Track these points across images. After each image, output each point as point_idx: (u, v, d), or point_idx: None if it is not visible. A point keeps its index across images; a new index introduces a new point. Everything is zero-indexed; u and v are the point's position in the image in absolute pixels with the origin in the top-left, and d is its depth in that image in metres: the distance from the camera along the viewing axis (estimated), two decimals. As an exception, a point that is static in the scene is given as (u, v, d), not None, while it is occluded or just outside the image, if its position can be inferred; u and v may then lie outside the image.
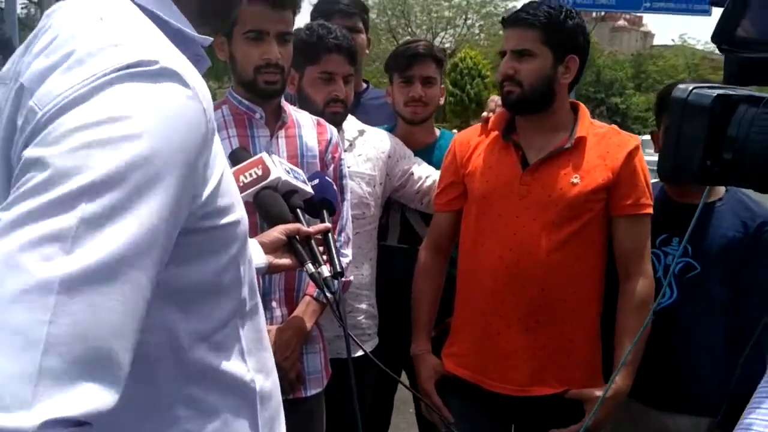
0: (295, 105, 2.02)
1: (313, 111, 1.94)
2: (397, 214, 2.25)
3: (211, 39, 0.81)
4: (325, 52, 1.92)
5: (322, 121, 1.85)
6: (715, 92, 0.77)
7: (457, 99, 20.74)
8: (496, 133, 1.89)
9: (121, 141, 0.61)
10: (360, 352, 2.07)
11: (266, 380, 0.90)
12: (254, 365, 0.87)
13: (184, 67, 0.70)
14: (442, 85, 2.29)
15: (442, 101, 2.31)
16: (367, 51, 2.53)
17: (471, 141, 1.94)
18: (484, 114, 2.05)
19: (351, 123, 2.12)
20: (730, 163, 0.77)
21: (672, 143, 0.79)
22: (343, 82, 1.96)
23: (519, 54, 1.78)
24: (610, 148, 1.78)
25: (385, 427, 2.39)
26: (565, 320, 1.77)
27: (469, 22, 23.80)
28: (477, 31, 25.47)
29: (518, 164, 1.81)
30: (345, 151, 2.05)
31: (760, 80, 0.77)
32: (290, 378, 1.66)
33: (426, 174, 2.15)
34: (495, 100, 2.06)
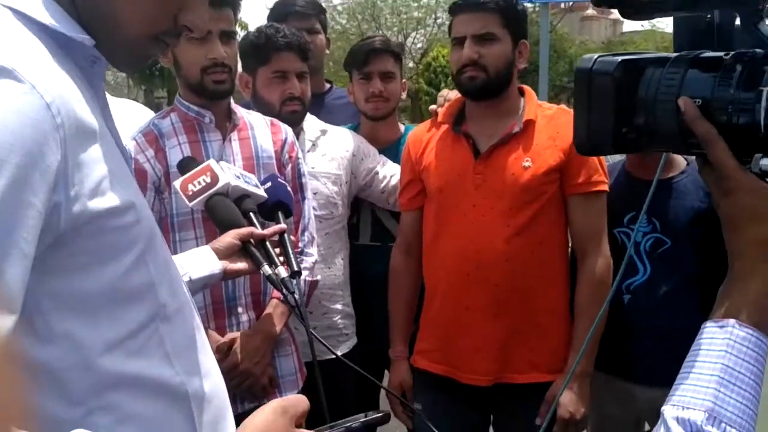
0: (251, 110, 2.01)
1: (269, 112, 1.93)
2: (368, 213, 2.25)
3: (86, 37, 0.79)
4: (274, 51, 1.91)
5: (275, 121, 1.84)
6: (619, 58, 0.76)
7: (432, 98, 20.74)
8: (446, 126, 1.89)
9: None
10: (339, 352, 2.08)
11: (203, 382, 0.88)
12: (184, 368, 0.85)
13: (26, 64, 0.69)
14: (404, 80, 2.30)
15: (404, 96, 2.32)
16: (327, 51, 2.53)
17: (423, 137, 1.95)
18: (432, 107, 2.05)
19: (312, 123, 2.11)
20: (643, 127, 0.76)
21: (583, 115, 0.78)
22: (297, 79, 1.95)
23: (481, 38, 1.76)
24: (559, 129, 1.79)
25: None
26: (532, 304, 1.78)
27: (439, 21, 23.81)
28: (447, 30, 25.47)
29: (470, 154, 1.81)
30: (308, 151, 2.05)
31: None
32: (262, 383, 1.65)
33: (391, 173, 2.15)
34: (444, 94, 2.06)
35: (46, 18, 0.75)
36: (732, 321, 0.68)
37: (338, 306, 2.09)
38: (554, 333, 1.81)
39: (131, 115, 1.98)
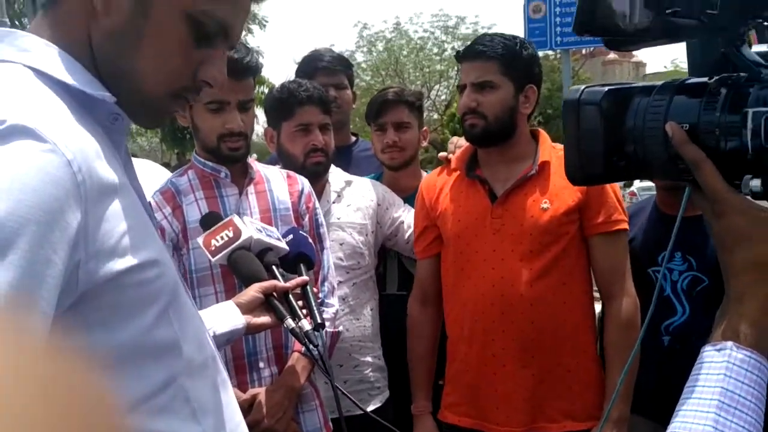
0: (278, 165, 2.03)
1: (294, 164, 1.95)
2: (394, 261, 2.24)
3: (106, 94, 0.80)
4: (297, 105, 1.95)
5: (291, 173, 1.86)
6: (606, 88, 0.77)
7: (457, 148, 20.84)
8: (459, 172, 1.88)
9: None
10: (371, 408, 2.03)
11: None
12: (211, 424, 0.84)
13: (47, 122, 0.69)
14: (425, 128, 2.31)
15: (424, 143, 2.32)
16: (354, 106, 2.58)
17: (436, 183, 1.95)
18: (442, 154, 2.05)
19: (337, 175, 2.13)
20: (633, 155, 0.76)
21: (573, 146, 0.79)
22: (320, 131, 1.97)
23: (480, 86, 1.78)
24: None
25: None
26: (560, 349, 1.73)
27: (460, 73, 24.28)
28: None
29: (486, 198, 1.80)
30: (333, 202, 2.06)
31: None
32: (286, 439, 1.61)
33: None
34: (454, 141, 2.07)
35: (66, 77, 0.76)
36: (729, 344, 0.68)
37: (369, 358, 2.06)
38: (584, 377, 1.76)
39: (150, 175, 2.02)
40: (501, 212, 1.77)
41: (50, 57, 0.77)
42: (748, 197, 0.69)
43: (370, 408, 2.02)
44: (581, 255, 1.77)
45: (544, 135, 1.88)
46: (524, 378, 1.73)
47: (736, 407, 0.65)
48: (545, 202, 1.74)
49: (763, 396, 0.66)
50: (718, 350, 0.68)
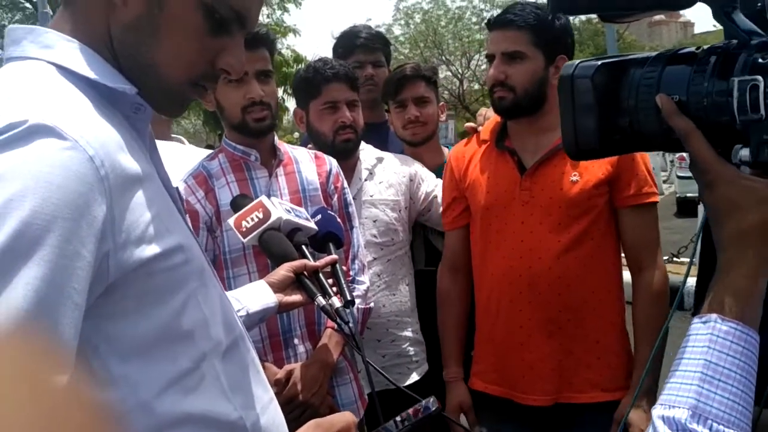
0: (309, 145, 2.06)
1: (323, 143, 1.97)
2: (420, 238, 2.25)
3: (127, 86, 0.81)
4: (324, 83, 1.96)
5: (319, 153, 1.88)
6: (600, 62, 0.77)
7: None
8: (488, 143, 1.87)
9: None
10: (410, 381, 2.07)
11: (261, 415, 0.89)
12: (241, 402, 0.87)
13: (68, 120, 0.72)
14: (441, 103, 2.30)
15: (443, 118, 2.31)
16: None
17: (466, 154, 1.93)
18: (469, 124, 2.03)
19: (368, 152, 2.15)
20: (628, 128, 0.76)
21: (569, 120, 0.79)
22: (348, 108, 1.98)
23: (509, 57, 1.74)
24: None
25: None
26: (588, 321, 1.73)
27: (501, 41, 23.75)
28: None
29: (516, 170, 1.79)
30: (365, 179, 2.08)
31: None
32: (322, 413, 1.65)
33: None
34: (483, 113, 2.05)
35: (88, 72, 0.79)
36: (714, 316, 0.67)
37: (407, 333, 2.09)
38: (612, 349, 1.75)
39: (179, 157, 2.07)
40: (530, 184, 1.76)
41: (71, 52, 0.79)
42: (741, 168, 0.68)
43: (410, 381, 2.06)
44: (610, 227, 1.75)
45: None
46: (551, 349, 1.73)
47: (720, 379, 0.64)
48: (575, 175, 1.72)
49: (750, 367, 0.65)
50: (704, 322, 0.68)
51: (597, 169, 1.71)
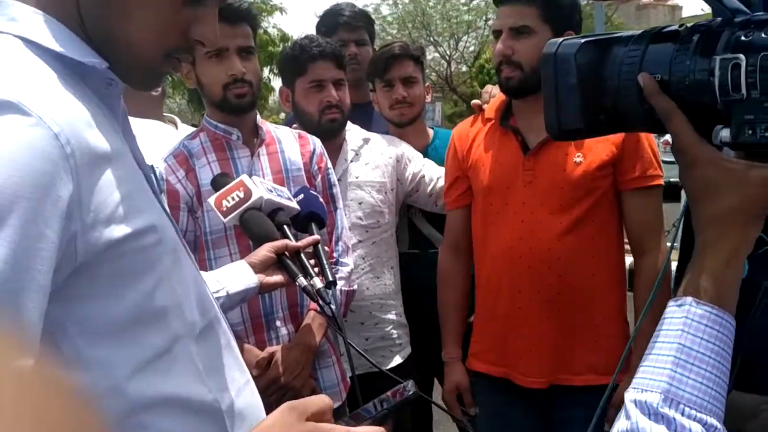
0: (294, 125, 2.02)
1: (309, 123, 1.94)
2: (404, 220, 2.23)
3: (97, 60, 0.78)
4: (310, 61, 1.92)
5: (303, 133, 1.85)
6: (583, 40, 0.75)
7: (487, 101, 20.46)
8: (492, 121, 1.84)
9: None
10: (393, 364, 2.06)
11: (236, 398, 0.88)
12: (217, 384, 0.85)
13: (32, 96, 0.68)
14: (427, 83, 2.27)
15: (428, 99, 2.29)
16: None
17: (469, 133, 1.90)
18: (475, 102, 2.00)
19: (354, 132, 2.12)
20: (612, 108, 0.74)
21: (552, 100, 0.77)
22: (335, 87, 1.95)
23: (517, 32, 1.70)
24: None
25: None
26: (586, 304, 1.72)
27: (489, 22, 23.58)
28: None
29: (519, 150, 1.76)
30: (351, 161, 2.05)
31: None
32: (304, 395, 1.64)
33: (437, 175, 2.13)
34: (488, 90, 2.01)
35: (55, 45, 0.75)
36: (689, 299, 0.66)
37: (390, 316, 2.08)
38: (612, 333, 1.74)
39: (157, 135, 2.03)
40: (533, 164, 1.73)
41: (38, 25, 0.76)
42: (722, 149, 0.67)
43: (392, 364, 2.06)
44: (613, 210, 1.73)
45: None
46: (549, 330, 1.72)
47: (693, 363, 0.63)
48: (578, 156, 1.69)
49: (725, 351, 0.64)
50: (679, 305, 0.67)
51: (601, 150, 1.69)
